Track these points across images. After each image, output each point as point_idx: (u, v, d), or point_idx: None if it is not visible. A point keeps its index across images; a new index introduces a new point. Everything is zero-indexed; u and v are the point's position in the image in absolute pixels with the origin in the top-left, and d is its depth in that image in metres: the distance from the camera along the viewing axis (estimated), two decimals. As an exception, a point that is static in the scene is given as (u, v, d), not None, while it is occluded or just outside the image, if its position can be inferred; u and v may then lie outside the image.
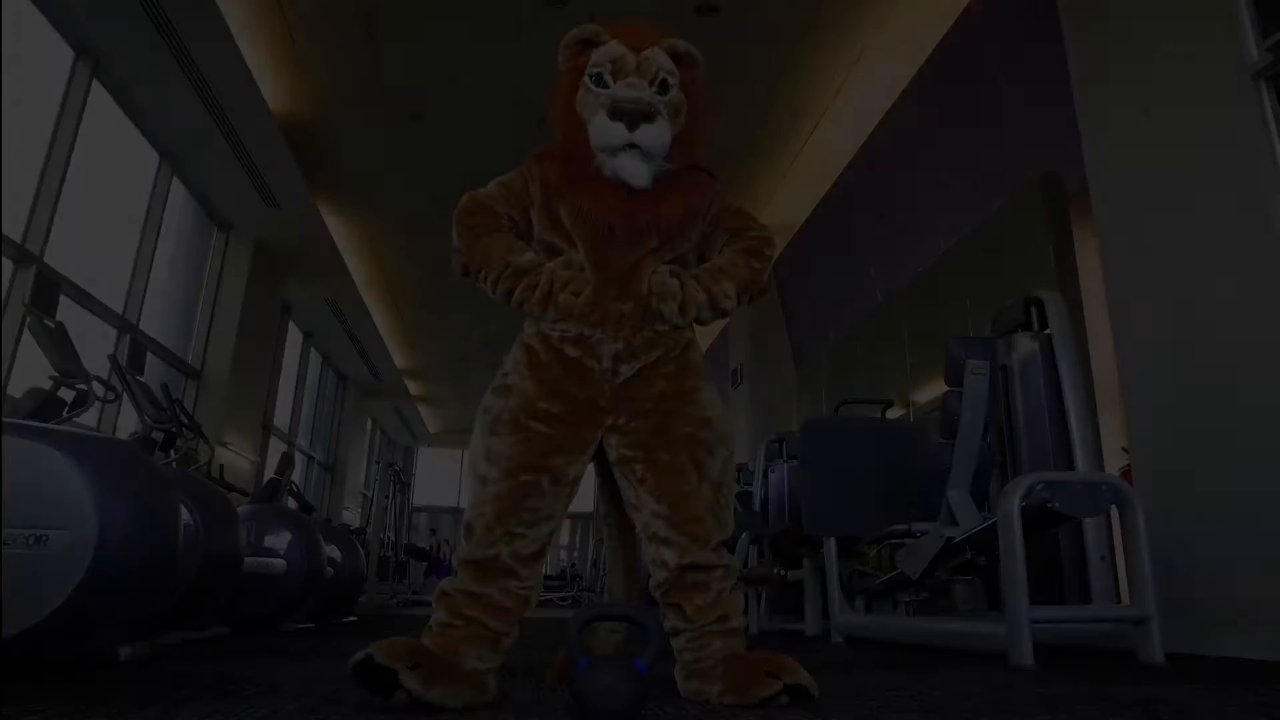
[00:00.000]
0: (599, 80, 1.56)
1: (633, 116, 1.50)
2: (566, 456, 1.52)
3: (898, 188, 6.11)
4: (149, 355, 5.92)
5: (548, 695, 1.56)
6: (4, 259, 4.50)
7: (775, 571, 4.29)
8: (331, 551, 4.46)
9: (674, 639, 1.55)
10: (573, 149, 1.60)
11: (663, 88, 1.56)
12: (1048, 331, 3.22)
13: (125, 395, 3.37)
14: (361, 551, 5.41)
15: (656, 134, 1.52)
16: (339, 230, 8.16)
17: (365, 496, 13.70)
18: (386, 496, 9.65)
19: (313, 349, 10.97)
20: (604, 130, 1.52)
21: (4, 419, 1.95)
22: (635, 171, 1.53)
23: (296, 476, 6.51)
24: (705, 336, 9.75)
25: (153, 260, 6.23)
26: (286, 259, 8.21)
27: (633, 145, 1.51)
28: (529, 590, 1.49)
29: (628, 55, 1.56)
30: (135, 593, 1.89)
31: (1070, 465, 3.05)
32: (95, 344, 5.41)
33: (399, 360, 12.31)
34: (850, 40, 5.49)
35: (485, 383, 1.67)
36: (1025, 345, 3.25)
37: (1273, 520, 2.55)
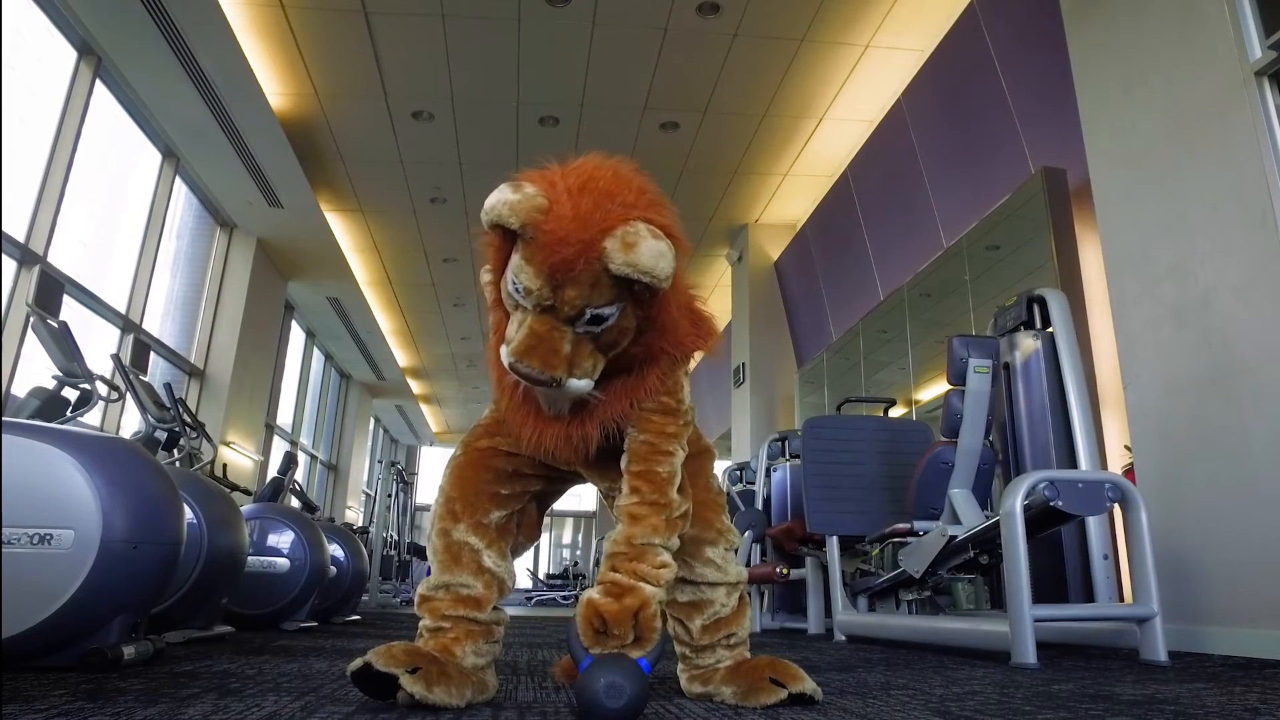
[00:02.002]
0: (516, 290, 1.24)
1: (530, 383, 1.24)
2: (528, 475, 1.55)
3: (899, 186, 6.10)
4: (152, 354, 5.94)
5: (550, 694, 1.57)
6: (7, 259, 4.51)
7: (778, 570, 4.29)
8: (334, 550, 4.46)
9: (678, 645, 1.56)
10: (499, 332, 1.36)
11: (593, 321, 1.23)
12: (1050, 329, 3.22)
13: (128, 394, 3.38)
14: (364, 550, 5.41)
15: (564, 394, 1.28)
16: (341, 229, 8.17)
17: (368, 496, 13.73)
18: (389, 496, 9.65)
19: (315, 348, 10.98)
20: (506, 366, 1.25)
21: (8, 418, 1.95)
22: (548, 404, 1.37)
23: (299, 476, 6.52)
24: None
25: (156, 259, 6.25)
26: (289, 258, 8.23)
27: None
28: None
29: (543, 288, 1.20)
30: (139, 592, 1.89)
31: (1073, 463, 3.05)
32: (99, 343, 5.43)
33: (402, 359, 12.33)
34: (852, 38, 5.49)
35: (487, 382, 1.68)
36: (1027, 343, 3.25)
37: (1276, 518, 2.54)
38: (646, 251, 1.17)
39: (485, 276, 1.45)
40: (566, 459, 1.45)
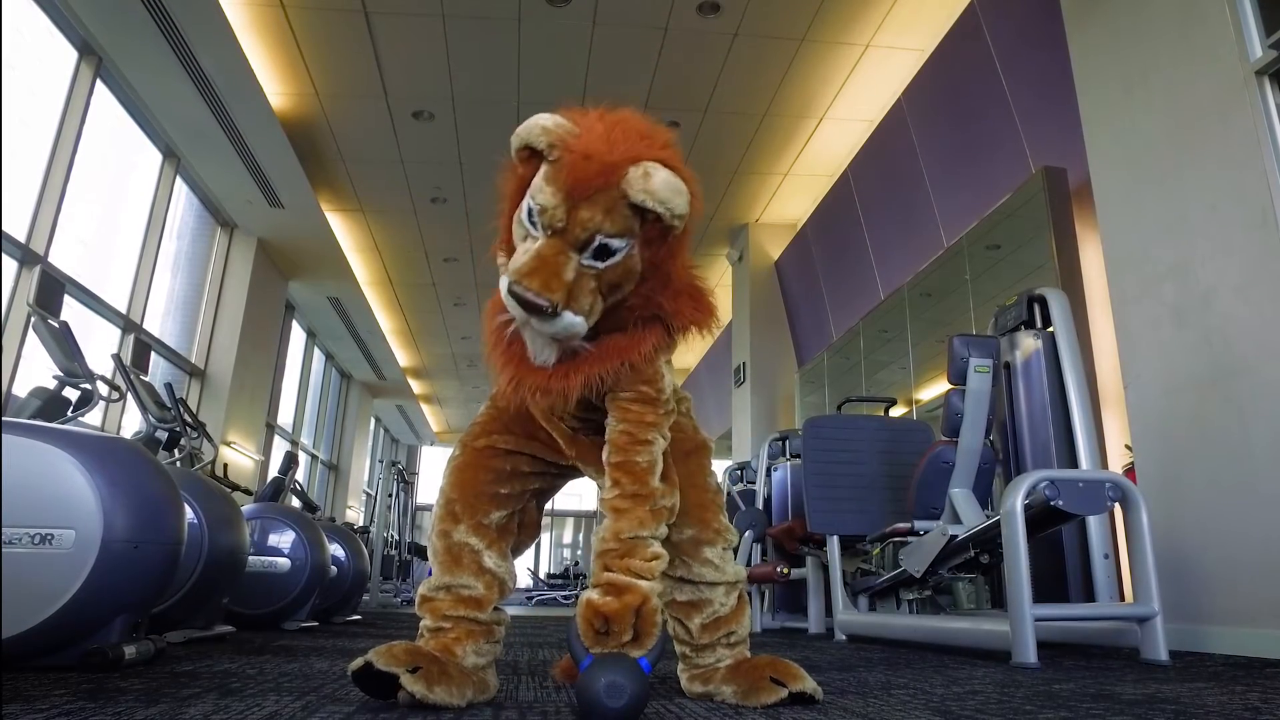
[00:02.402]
0: (529, 215, 1.24)
1: (525, 307, 1.21)
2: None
3: (900, 185, 6.10)
4: (153, 354, 5.95)
5: (551, 693, 1.57)
6: (8, 259, 4.52)
7: (778, 570, 4.29)
8: (335, 550, 4.46)
9: (678, 645, 1.56)
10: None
11: (599, 253, 1.22)
12: (1050, 329, 3.22)
13: (129, 394, 3.38)
14: (365, 550, 5.41)
15: (557, 327, 1.23)
16: (342, 229, 8.17)
17: (369, 495, 13.73)
18: (390, 495, 9.65)
19: (316, 348, 10.99)
20: (505, 297, 1.23)
21: (10, 418, 1.95)
22: (535, 349, 1.33)
23: (300, 475, 6.52)
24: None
25: (156, 259, 6.25)
26: (290, 258, 8.23)
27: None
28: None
29: (559, 207, 1.20)
30: (140, 592, 1.90)
31: (1073, 463, 3.05)
32: (99, 343, 5.43)
33: (402, 359, 12.33)
34: (852, 38, 5.49)
35: (488, 382, 1.68)
36: (1028, 343, 3.25)
37: (1277, 517, 2.54)
38: (664, 185, 1.20)
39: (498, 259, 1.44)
40: (543, 410, 1.45)
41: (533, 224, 1.24)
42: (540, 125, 1.23)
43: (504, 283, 1.22)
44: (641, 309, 1.34)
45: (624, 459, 1.38)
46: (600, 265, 1.23)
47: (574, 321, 1.23)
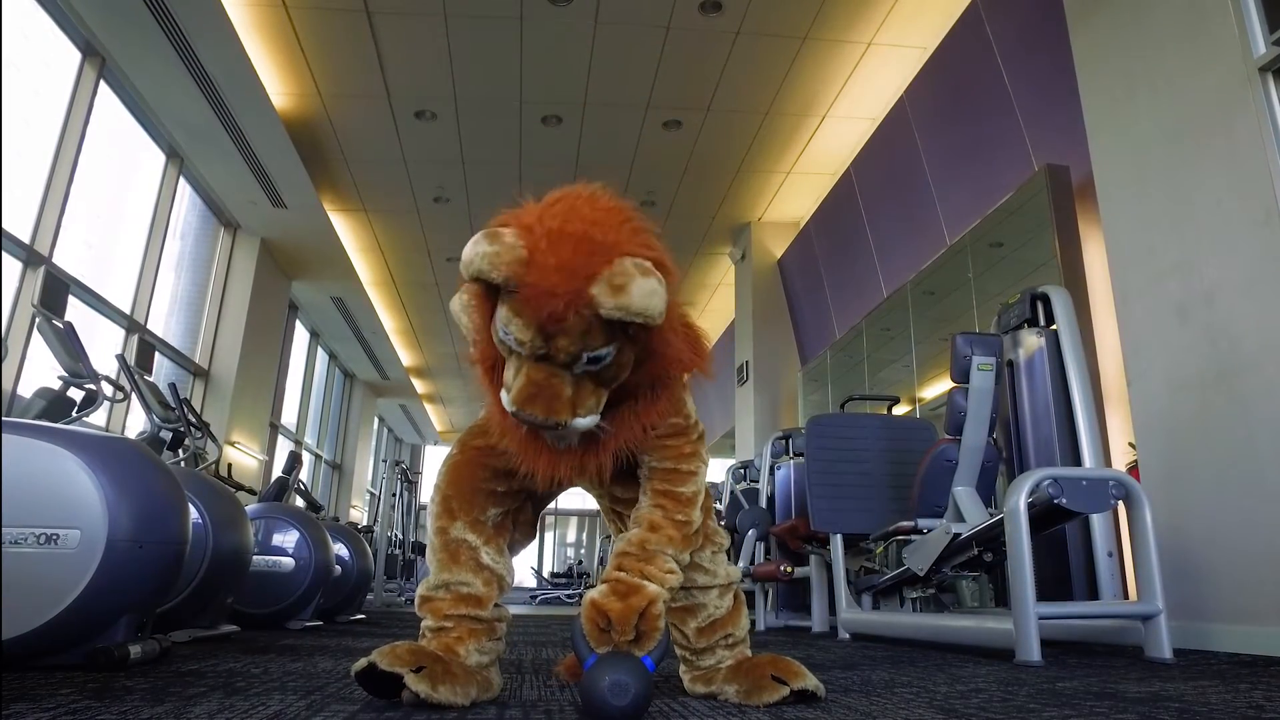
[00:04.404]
0: (508, 340, 1.20)
1: (535, 429, 1.22)
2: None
3: (902, 183, 6.10)
4: (157, 355, 5.96)
5: (555, 692, 1.57)
6: (13, 260, 4.53)
7: (781, 568, 4.30)
8: (339, 550, 4.47)
9: (678, 649, 1.56)
10: (492, 367, 1.32)
11: (592, 363, 1.19)
12: (1054, 327, 3.22)
13: (133, 395, 3.39)
14: (369, 549, 5.42)
15: (570, 432, 1.24)
16: (345, 229, 8.18)
17: (372, 495, 13.75)
18: (394, 495, 9.66)
19: (320, 348, 11.01)
20: (509, 413, 1.22)
21: (15, 419, 1.96)
22: (555, 440, 1.32)
23: (304, 475, 6.53)
24: (710, 334, 9.76)
25: (160, 260, 6.26)
26: (293, 258, 8.24)
27: None
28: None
29: (535, 338, 1.16)
30: (144, 591, 1.90)
31: (1077, 461, 3.04)
32: (104, 343, 5.44)
33: (406, 359, 12.34)
34: (854, 36, 5.49)
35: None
36: (1031, 341, 3.25)
37: (1281, 515, 2.54)
38: (637, 293, 1.12)
39: (459, 301, 1.37)
40: (580, 486, 1.47)
41: (514, 347, 1.19)
42: (485, 258, 1.14)
43: (506, 402, 1.20)
44: (645, 381, 1.33)
45: (669, 488, 1.42)
46: (595, 369, 1.21)
47: (585, 423, 1.22)
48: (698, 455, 1.45)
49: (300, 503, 5.59)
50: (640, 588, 1.28)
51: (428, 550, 1.49)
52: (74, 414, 2.89)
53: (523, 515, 1.58)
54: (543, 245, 1.15)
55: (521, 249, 1.15)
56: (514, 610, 1.57)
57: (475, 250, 1.15)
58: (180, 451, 3.49)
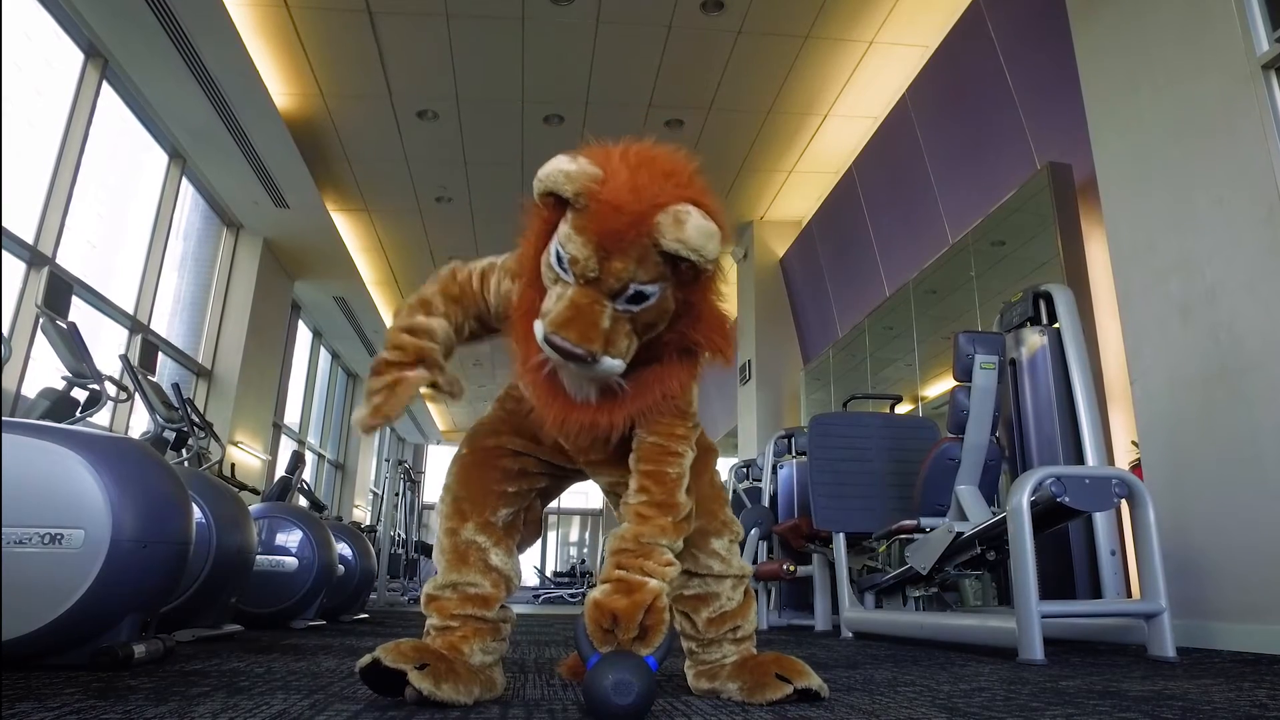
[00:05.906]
0: (559, 261, 1.23)
1: (564, 356, 1.21)
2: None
3: (905, 182, 6.09)
4: (160, 355, 5.97)
5: (558, 691, 1.57)
6: (16, 260, 4.54)
7: (784, 567, 4.30)
8: (342, 549, 4.47)
9: (685, 640, 1.56)
10: (528, 311, 1.32)
11: (633, 299, 1.21)
12: (1056, 325, 3.22)
13: (137, 395, 3.39)
14: (372, 549, 5.43)
15: (597, 371, 1.23)
16: (347, 229, 8.19)
17: (376, 494, 13.76)
18: (397, 494, 9.67)
19: (322, 347, 11.02)
20: (541, 343, 1.23)
21: (19, 419, 1.97)
22: (575, 388, 1.32)
23: (307, 475, 6.54)
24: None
25: (163, 260, 6.27)
26: (295, 258, 8.25)
27: None
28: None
29: (590, 258, 1.18)
30: (148, 591, 1.91)
31: (1080, 459, 3.04)
32: (107, 344, 5.45)
33: (408, 358, 12.32)
34: (856, 34, 5.48)
35: (494, 382, 1.69)
36: (1033, 339, 3.24)
37: (1285, 514, 2.53)
38: (696, 231, 1.17)
39: (491, 260, 1.45)
40: (585, 446, 1.45)
41: (563, 270, 1.22)
42: (563, 172, 1.20)
43: (539, 329, 1.21)
44: (675, 342, 1.34)
45: (655, 468, 1.39)
46: (635, 309, 1.22)
47: (613, 365, 1.22)
48: (687, 440, 1.43)
49: (304, 502, 5.60)
50: (643, 584, 1.28)
51: (436, 550, 1.49)
52: (78, 414, 2.89)
53: (530, 514, 1.59)
54: (619, 170, 1.22)
55: (597, 170, 1.21)
56: (516, 609, 1.57)
57: (554, 165, 1.21)
58: (184, 451, 3.50)
